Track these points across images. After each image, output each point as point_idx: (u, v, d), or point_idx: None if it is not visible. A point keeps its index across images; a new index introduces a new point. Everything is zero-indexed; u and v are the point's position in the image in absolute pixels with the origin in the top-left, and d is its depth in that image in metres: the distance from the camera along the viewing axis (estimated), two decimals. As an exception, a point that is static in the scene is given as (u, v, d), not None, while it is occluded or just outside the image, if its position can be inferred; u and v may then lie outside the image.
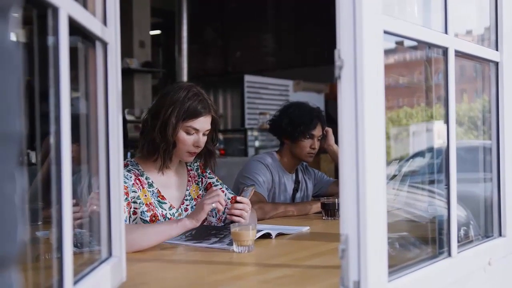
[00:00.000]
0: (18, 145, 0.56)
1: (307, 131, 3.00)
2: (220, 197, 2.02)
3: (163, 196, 2.24)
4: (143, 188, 2.19)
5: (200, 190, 2.39)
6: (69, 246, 1.03)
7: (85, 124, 1.37)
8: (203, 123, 2.22)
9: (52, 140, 1.02)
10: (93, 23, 1.25)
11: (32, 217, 1.37)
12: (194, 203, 2.34)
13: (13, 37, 0.56)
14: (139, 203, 2.15)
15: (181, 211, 2.29)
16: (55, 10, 1.00)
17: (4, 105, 0.53)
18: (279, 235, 2.19)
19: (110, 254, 1.38)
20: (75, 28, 1.13)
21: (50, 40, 1.03)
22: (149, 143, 2.21)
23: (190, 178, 2.38)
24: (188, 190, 2.35)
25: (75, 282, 1.11)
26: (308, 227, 2.38)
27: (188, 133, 2.20)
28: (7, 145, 0.54)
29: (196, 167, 2.43)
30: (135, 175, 2.18)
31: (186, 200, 2.33)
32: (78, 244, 1.39)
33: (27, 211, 0.59)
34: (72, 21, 1.08)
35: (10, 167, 0.55)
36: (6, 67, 0.53)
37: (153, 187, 2.23)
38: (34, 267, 1.22)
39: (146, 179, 2.22)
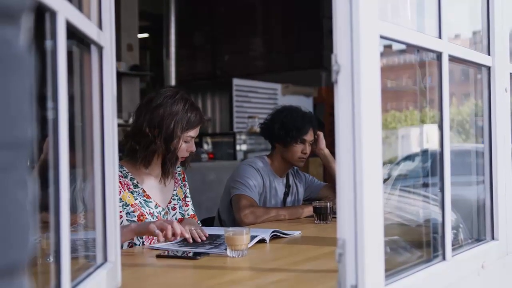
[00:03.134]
0: (30, 151, 0.56)
1: (299, 136, 3.00)
2: (168, 230, 1.97)
3: (148, 195, 2.31)
4: (125, 190, 2.25)
5: (183, 194, 2.50)
6: (67, 252, 1.02)
7: (80, 128, 1.37)
8: (198, 130, 2.36)
9: (50, 144, 1.01)
10: (89, 27, 1.24)
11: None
12: (181, 203, 2.45)
13: (24, 42, 0.55)
14: (122, 205, 2.21)
15: (168, 209, 2.38)
16: (53, 14, 1.00)
17: (16, 111, 0.53)
18: (274, 238, 2.20)
19: (105, 259, 1.37)
20: (71, 32, 1.12)
21: (48, 44, 1.02)
22: (151, 154, 2.28)
23: (176, 180, 2.48)
24: (175, 190, 2.45)
25: (72, 288, 1.10)
26: (300, 232, 2.38)
27: (185, 142, 2.32)
28: (19, 151, 0.54)
29: (178, 172, 2.52)
30: None
31: (174, 199, 2.43)
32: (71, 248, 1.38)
33: (37, 217, 0.59)
34: (69, 25, 1.07)
35: (22, 173, 0.54)
36: (19, 72, 0.53)
37: (139, 187, 2.30)
38: (29, 272, 1.21)
39: (130, 180, 2.29)
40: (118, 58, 7.30)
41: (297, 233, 2.36)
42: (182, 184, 2.50)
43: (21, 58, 0.54)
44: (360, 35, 1.17)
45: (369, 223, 1.18)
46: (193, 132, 2.32)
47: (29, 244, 0.56)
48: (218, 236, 2.18)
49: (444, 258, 1.53)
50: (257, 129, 7.14)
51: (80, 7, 1.26)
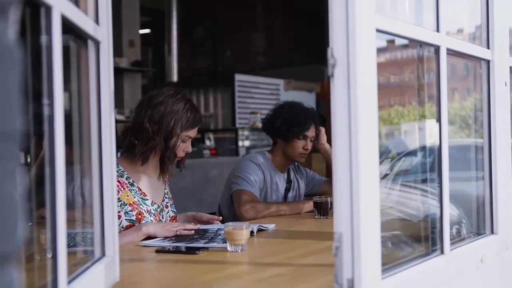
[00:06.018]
0: (18, 143, 0.57)
1: (301, 132, 3.00)
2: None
3: (144, 193, 2.34)
4: (124, 189, 2.27)
5: (170, 193, 2.55)
6: (63, 246, 1.03)
7: (77, 124, 1.37)
8: (196, 131, 2.39)
9: (45, 140, 1.02)
10: (85, 22, 1.24)
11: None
12: (171, 202, 2.50)
13: (12, 35, 0.56)
14: (121, 205, 2.23)
15: (163, 207, 2.42)
16: (48, 9, 1.00)
17: (5, 103, 0.53)
18: (259, 231, 2.24)
19: (103, 253, 1.38)
20: (67, 27, 1.12)
21: (43, 39, 1.02)
22: (150, 150, 2.29)
23: (166, 179, 2.51)
24: (166, 189, 2.49)
25: (69, 282, 1.10)
26: (274, 225, 2.41)
27: (183, 141, 2.34)
28: (8, 143, 0.54)
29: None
30: None
31: (166, 197, 2.47)
32: (69, 243, 1.39)
33: (27, 209, 0.59)
34: (65, 20, 1.07)
35: (11, 165, 0.55)
36: (7, 65, 0.53)
37: (135, 186, 2.32)
38: (27, 267, 1.21)
39: (126, 179, 2.31)
40: (120, 54, 7.31)
41: (271, 226, 2.39)
42: (169, 184, 2.56)
43: (9, 51, 0.55)
44: (356, 28, 1.16)
45: (366, 216, 1.18)
46: (192, 133, 2.35)
47: (18, 236, 0.57)
48: (206, 231, 2.20)
49: (442, 252, 1.53)
50: (259, 124, 7.15)
51: (76, 2, 1.26)
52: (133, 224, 2.22)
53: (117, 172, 2.27)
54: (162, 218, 2.38)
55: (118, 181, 2.25)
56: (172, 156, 2.32)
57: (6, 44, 0.54)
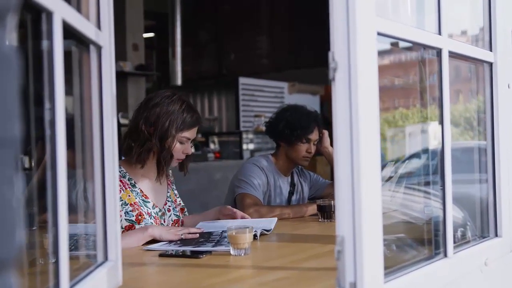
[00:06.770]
0: (17, 149, 0.57)
1: (304, 135, 3.00)
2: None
3: (146, 195, 2.34)
4: (126, 189, 2.28)
5: (175, 196, 2.53)
6: (65, 251, 1.03)
7: (80, 128, 1.37)
8: (195, 132, 2.38)
9: (47, 145, 1.02)
10: (87, 27, 1.25)
11: (27, 222, 1.36)
12: (174, 205, 2.48)
13: (10, 41, 0.56)
14: (122, 204, 2.23)
15: (165, 210, 2.42)
16: (49, 14, 1.00)
17: (3, 110, 0.53)
18: (262, 234, 2.23)
19: (106, 258, 1.38)
20: (69, 32, 1.13)
21: (44, 44, 1.03)
22: (146, 152, 2.29)
23: (169, 183, 2.51)
24: (168, 192, 2.48)
25: (71, 286, 1.11)
26: (276, 219, 2.43)
27: (181, 142, 2.33)
28: (6, 149, 0.54)
29: (170, 175, 2.57)
30: None
31: (168, 201, 2.46)
32: (72, 247, 1.39)
33: (25, 215, 0.59)
34: (66, 25, 1.08)
35: (9, 171, 0.55)
36: (5, 72, 0.54)
37: (136, 187, 2.33)
38: (30, 271, 1.22)
39: (128, 180, 2.32)
40: (124, 58, 7.31)
41: (274, 220, 2.41)
42: (173, 187, 2.55)
43: (7, 58, 0.55)
44: (356, 32, 1.16)
45: (368, 219, 1.17)
46: (189, 134, 2.33)
47: (16, 242, 0.57)
48: (211, 234, 2.20)
49: (445, 255, 1.52)
50: (263, 128, 7.15)
51: (78, 7, 1.27)
52: (132, 225, 2.22)
53: (120, 173, 2.28)
54: (164, 221, 2.38)
55: (120, 181, 2.26)
56: (168, 157, 2.31)
57: (4, 51, 0.54)
